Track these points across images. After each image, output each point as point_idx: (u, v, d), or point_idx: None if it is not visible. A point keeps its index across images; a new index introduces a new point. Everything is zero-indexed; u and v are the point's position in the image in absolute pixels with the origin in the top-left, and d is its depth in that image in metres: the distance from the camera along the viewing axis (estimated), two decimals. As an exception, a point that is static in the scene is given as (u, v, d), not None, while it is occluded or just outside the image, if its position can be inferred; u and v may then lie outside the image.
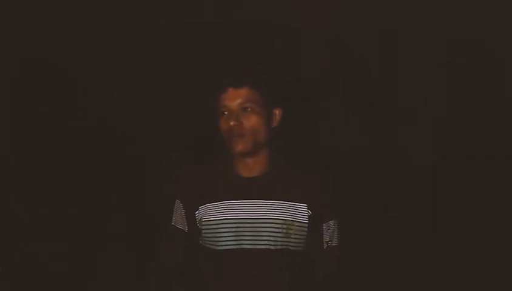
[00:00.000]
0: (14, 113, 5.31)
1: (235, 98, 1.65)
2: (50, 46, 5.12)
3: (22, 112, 5.37)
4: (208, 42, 4.26)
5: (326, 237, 1.74)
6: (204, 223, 1.70)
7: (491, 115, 4.27)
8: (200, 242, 1.74)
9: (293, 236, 1.67)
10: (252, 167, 1.71)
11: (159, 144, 5.14)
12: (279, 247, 1.65)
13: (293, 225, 1.66)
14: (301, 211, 1.69)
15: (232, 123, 1.64)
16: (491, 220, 4.11)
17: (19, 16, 4.87)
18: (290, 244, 1.67)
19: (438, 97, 4.42)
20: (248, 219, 1.66)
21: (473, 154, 4.35)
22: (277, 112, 1.74)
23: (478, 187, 4.24)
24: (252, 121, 1.66)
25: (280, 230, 1.65)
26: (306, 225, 1.69)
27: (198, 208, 1.72)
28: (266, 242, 1.65)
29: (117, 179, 5.14)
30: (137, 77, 5.09)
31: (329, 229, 1.74)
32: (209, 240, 1.69)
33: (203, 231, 1.70)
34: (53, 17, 4.99)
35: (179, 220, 1.79)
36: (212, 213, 1.69)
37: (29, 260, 4.04)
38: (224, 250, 1.66)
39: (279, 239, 1.65)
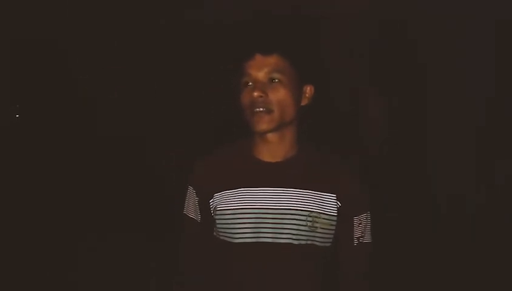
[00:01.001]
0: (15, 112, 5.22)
1: (262, 66, 1.44)
2: (51, 46, 5.03)
3: (24, 113, 5.29)
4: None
5: (357, 233, 1.52)
6: (219, 212, 1.49)
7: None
8: (214, 233, 1.53)
9: (319, 230, 1.45)
10: (275, 151, 1.50)
11: (163, 143, 5.02)
12: (303, 242, 1.44)
13: (320, 218, 1.45)
14: (329, 202, 1.47)
15: (255, 93, 1.42)
16: (492, 221, 4.03)
17: (18, 16, 4.76)
18: (316, 239, 1.45)
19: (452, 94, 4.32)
20: (268, 209, 1.45)
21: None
22: (308, 89, 1.52)
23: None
24: (279, 94, 1.44)
25: (305, 223, 1.44)
26: (335, 218, 1.47)
27: (213, 196, 1.51)
28: (288, 236, 1.44)
29: (122, 179, 5.05)
30: (140, 76, 5.00)
31: (360, 223, 1.52)
32: (224, 232, 1.48)
33: (218, 221, 1.49)
34: (54, 17, 4.90)
35: (191, 209, 1.58)
36: (229, 201, 1.48)
37: (27, 258, 3.93)
38: (241, 243, 1.45)
39: (303, 232, 1.44)
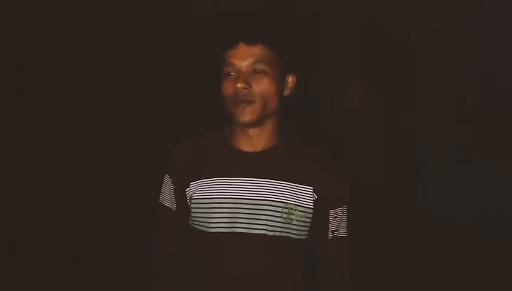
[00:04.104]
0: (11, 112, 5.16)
1: (246, 56, 1.40)
2: (46, 44, 4.97)
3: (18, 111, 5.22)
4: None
5: (332, 226, 1.51)
6: (194, 201, 1.47)
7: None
8: (189, 222, 1.51)
9: (294, 222, 1.43)
10: (254, 141, 1.47)
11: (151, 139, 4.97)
12: (277, 234, 1.43)
13: (296, 210, 1.43)
14: (305, 195, 1.45)
15: (239, 85, 1.39)
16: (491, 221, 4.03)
17: (14, 16, 4.70)
18: (291, 231, 1.44)
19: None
20: (244, 199, 1.43)
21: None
22: (290, 79, 1.49)
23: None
24: (262, 85, 1.40)
25: (280, 214, 1.42)
26: (311, 210, 1.45)
27: (189, 185, 1.49)
28: (263, 227, 1.42)
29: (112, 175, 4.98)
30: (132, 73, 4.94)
31: (336, 217, 1.50)
32: (200, 221, 1.47)
33: (193, 210, 1.47)
34: (51, 15, 4.84)
35: (166, 197, 1.57)
36: (204, 190, 1.46)
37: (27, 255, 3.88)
38: (216, 232, 1.44)
39: (278, 224, 1.43)
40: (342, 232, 1.53)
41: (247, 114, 1.41)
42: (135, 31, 4.72)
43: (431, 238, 4.01)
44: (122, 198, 4.59)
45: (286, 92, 1.49)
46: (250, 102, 1.41)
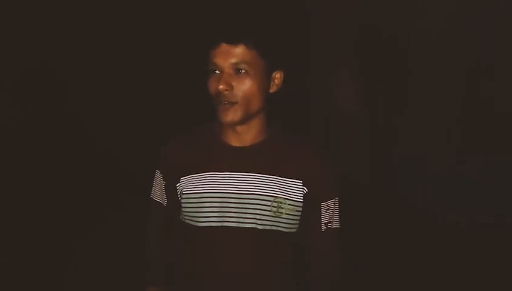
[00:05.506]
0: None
1: (227, 56, 1.38)
2: (46, 44, 4.98)
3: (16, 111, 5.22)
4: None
5: (325, 219, 1.51)
6: (185, 196, 1.47)
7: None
8: (180, 217, 1.52)
9: (284, 216, 1.43)
10: (243, 136, 1.47)
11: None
12: (267, 227, 1.43)
13: (285, 204, 1.43)
14: (295, 188, 1.45)
15: (220, 87, 1.38)
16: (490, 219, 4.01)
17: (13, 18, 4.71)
18: (281, 224, 1.44)
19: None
20: (233, 193, 1.43)
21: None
22: (277, 75, 1.47)
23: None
24: (245, 86, 1.39)
25: (269, 208, 1.43)
26: (300, 204, 1.45)
27: (179, 180, 1.49)
28: (252, 221, 1.43)
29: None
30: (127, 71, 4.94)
31: (328, 209, 1.50)
32: (190, 216, 1.47)
33: (184, 205, 1.48)
34: (50, 15, 4.84)
35: (157, 193, 1.58)
36: (194, 185, 1.46)
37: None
38: (206, 226, 1.44)
39: (267, 218, 1.43)
40: (335, 224, 1.54)
41: (229, 115, 1.41)
42: (135, 31, 4.73)
43: (430, 238, 3.99)
44: (122, 198, 4.59)
45: (273, 89, 1.47)
46: (233, 103, 1.40)
